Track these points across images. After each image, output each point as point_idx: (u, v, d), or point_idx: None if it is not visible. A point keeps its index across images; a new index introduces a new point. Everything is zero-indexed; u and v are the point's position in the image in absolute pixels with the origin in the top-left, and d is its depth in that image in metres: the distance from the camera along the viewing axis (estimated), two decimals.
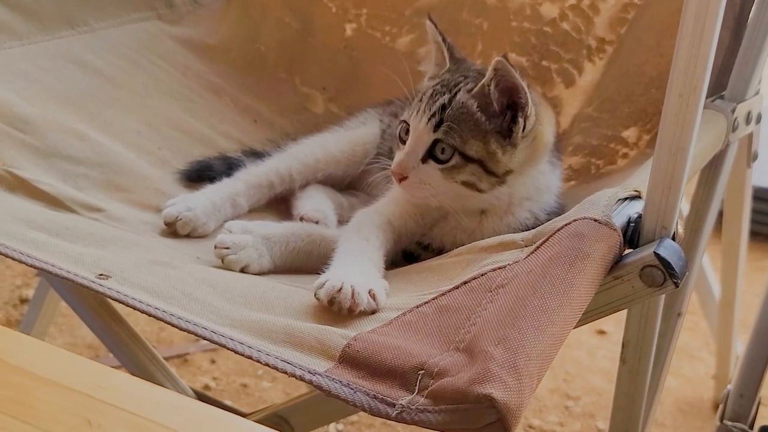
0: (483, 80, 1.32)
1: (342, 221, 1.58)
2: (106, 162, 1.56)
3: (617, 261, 1.10)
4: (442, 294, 1.12)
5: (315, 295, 1.13)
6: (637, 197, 1.17)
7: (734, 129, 1.51)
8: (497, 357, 0.93)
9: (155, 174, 1.61)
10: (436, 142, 1.33)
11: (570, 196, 1.53)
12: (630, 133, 1.64)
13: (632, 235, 1.12)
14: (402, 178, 1.35)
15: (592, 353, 2.42)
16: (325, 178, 1.69)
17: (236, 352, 1.03)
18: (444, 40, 1.46)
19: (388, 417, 0.94)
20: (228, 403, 2.13)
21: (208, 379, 2.27)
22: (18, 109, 1.55)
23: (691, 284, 1.59)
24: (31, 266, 1.18)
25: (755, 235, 2.67)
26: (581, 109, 1.75)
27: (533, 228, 1.24)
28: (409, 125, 1.37)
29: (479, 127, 1.33)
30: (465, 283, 1.12)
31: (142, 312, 1.11)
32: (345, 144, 1.71)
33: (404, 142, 1.37)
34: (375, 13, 1.99)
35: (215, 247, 1.34)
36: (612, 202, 1.14)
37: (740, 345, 2.17)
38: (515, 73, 1.29)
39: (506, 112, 1.33)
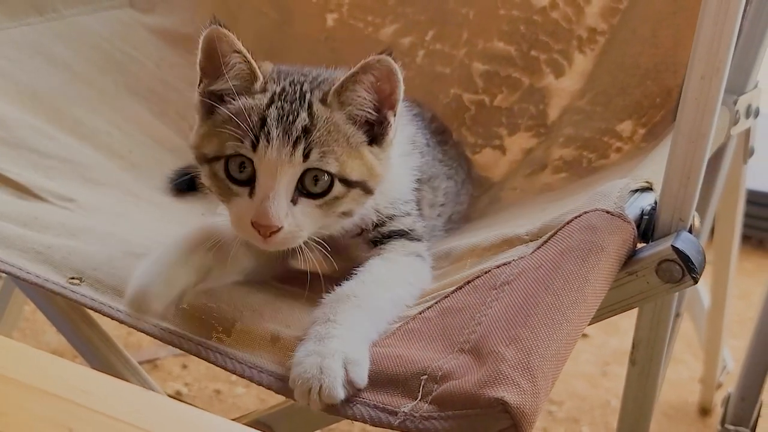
0: (349, 85, 1.10)
1: None
2: (77, 160, 1.49)
3: (631, 256, 1.05)
4: (445, 297, 1.06)
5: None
6: (649, 189, 1.12)
7: (735, 122, 1.46)
8: (509, 358, 0.88)
9: (126, 178, 1.54)
10: (306, 173, 1.08)
11: (562, 190, 1.49)
12: (624, 127, 1.59)
13: (646, 228, 1.08)
14: (273, 232, 1.06)
15: (575, 357, 2.37)
16: None
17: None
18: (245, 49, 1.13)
19: (390, 426, 0.89)
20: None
21: (179, 384, 2.19)
22: None
23: None
24: None
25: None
26: (572, 101, 1.70)
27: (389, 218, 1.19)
28: (248, 159, 1.08)
29: (351, 141, 1.11)
30: (468, 282, 1.07)
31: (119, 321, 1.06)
32: None
33: (243, 184, 1.09)
34: (357, 2, 1.92)
35: None
36: (624, 194, 1.09)
37: (726, 349, 2.14)
38: (399, 70, 1.09)
39: (375, 116, 1.13)
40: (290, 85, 1.12)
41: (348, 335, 0.97)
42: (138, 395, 0.78)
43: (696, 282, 1.01)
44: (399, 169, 1.22)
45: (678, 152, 1.02)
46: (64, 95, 1.63)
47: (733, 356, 2.21)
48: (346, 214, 1.12)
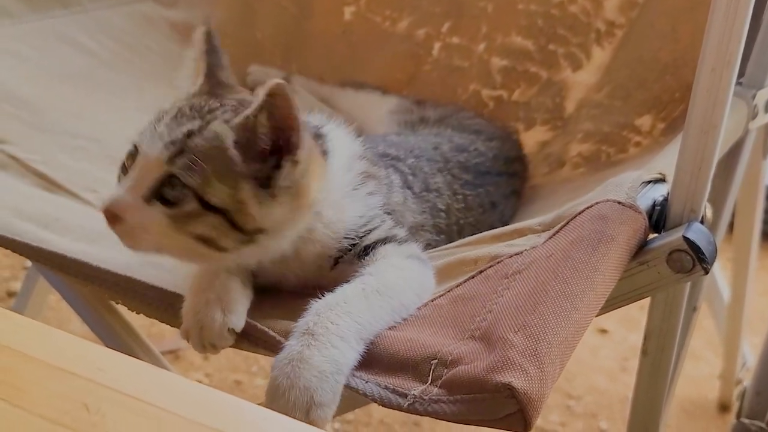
0: (250, 109, 1.02)
1: None
2: (105, 138, 1.50)
3: (642, 246, 1.05)
4: (458, 285, 1.07)
5: None
6: (662, 180, 1.13)
7: (754, 116, 1.45)
8: (517, 344, 0.89)
9: None
10: (168, 178, 1.01)
11: (579, 185, 1.48)
12: (643, 121, 1.59)
13: (658, 219, 1.08)
14: (116, 220, 1.02)
15: (594, 352, 2.37)
16: None
17: None
18: (211, 51, 1.14)
19: (399, 408, 0.90)
20: None
21: (200, 375, 2.21)
22: (10, 85, 1.51)
23: (706, 279, 1.54)
24: None
25: None
26: (590, 94, 1.70)
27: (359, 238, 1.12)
28: (137, 150, 1.04)
29: (231, 169, 1.02)
30: (481, 272, 1.07)
31: None
32: None
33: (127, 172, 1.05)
34: None
35: None
36: (636, 185, 1.09)
37: (746, 345, 2.13)
38: (295, 103, 1.01)
39: (271, 155, 1.04)
40: (214, 100, 1.08)
41: (322, 358, 0.92)
42: (152, 373, 0.80)
43: (707, 272, 1.02)
44: (343, 207, 1.14)
45: (689, 143, 1.02)
46: (90, 78, 1.66)
47: (754, 353, 2.20)
48: (206, 241, 1.02)
